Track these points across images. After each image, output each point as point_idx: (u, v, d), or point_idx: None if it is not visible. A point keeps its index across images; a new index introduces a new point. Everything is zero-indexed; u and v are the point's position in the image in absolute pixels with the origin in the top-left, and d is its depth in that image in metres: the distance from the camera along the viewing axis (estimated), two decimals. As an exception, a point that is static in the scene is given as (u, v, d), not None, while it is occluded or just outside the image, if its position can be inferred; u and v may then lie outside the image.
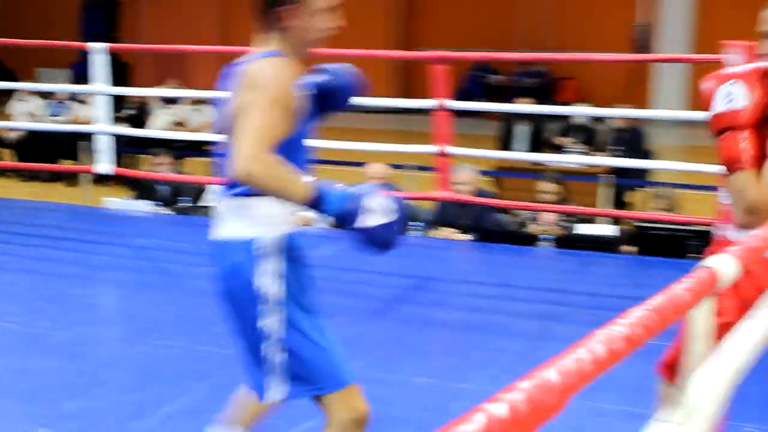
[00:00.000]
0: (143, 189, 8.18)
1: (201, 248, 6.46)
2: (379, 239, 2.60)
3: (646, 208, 6.84)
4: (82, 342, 4.89)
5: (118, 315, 5.50)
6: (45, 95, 13.24)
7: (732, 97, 2.52)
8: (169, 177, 7.98)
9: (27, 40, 8.73)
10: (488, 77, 17.95)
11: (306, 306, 2.78)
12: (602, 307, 5.40)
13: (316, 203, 2.55)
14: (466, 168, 7.09)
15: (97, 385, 4.32)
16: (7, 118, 13.43)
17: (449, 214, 7.08)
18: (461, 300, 5.61)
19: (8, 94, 13.43)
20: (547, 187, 7.37)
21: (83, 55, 7.72)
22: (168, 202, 8.09)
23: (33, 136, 12.08)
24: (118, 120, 11.68)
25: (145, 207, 7.67)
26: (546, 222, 7.16)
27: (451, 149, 6.61)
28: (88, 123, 12.41)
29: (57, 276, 6.01)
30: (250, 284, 2.69)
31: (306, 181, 2.56)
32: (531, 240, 6.94)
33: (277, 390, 2.76)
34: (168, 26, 19.81)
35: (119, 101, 10.36)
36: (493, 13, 17.97)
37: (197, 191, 8.33)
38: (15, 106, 13.51)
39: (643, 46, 16.76)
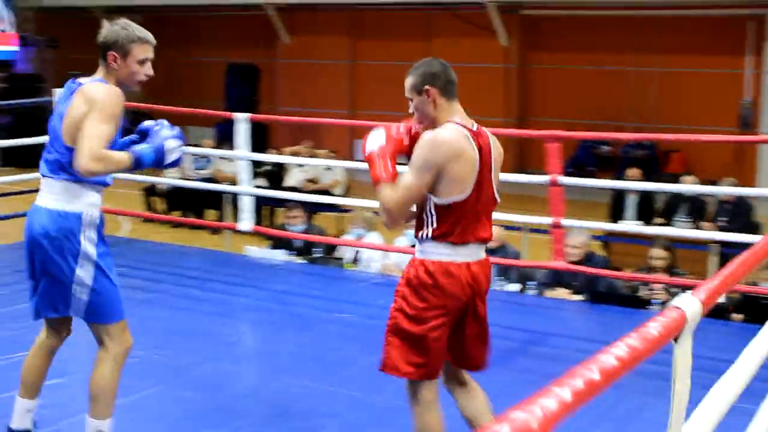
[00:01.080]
0: (280, 239, 8.29)
1: (332, 295, 6.54)
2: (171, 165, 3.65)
3: (752, 278, 6.62)
4: (222, 376, 4.94)
5: (256, 353, 5.55)
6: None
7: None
8: (301, 236, 8.07)
9: (181, 108, 9.01)
10: (599, 148, 17.75)
11: (107, 260, 3.57)
12: (711, 371, 5.23)
13: (138, 165, 3.49)
14: (579, 233, 6.99)
15: (235, 418, 4.37)
16: (161, 170, 13.83)
17: (563, 275, 6.98)
18: (574, 356, 5.49)
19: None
20: (657, 254, 7.21)
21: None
22: (302, 251, 8.18)
23: (182, 187, 12.39)
24: (257, 175, 11.93)
25: (281, 256, 7.77)
26: (656, 287, 6.99)
27: (564, 221, 6.52)
28: (229, 178, 12.74)
29: (201, 314, 6.11)
30: (77, 244, 3.48)
31: (125, 156, 3.46)
32: (642, 303, 6.78)
33: (78, 312, 3.56)
34: (302, 93, 20.19)
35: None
36: (604, 88, 17.81)
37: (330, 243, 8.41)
38: (167, 159, 13.92)
39: (748, 123, 16.37)
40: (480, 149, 3.22)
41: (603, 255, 8.40)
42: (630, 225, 9.62)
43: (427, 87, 3.27)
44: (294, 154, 12.02)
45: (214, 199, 12.09)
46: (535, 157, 17.12)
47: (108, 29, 3.60)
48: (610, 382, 1.49)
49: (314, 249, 8.20)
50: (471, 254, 3.27)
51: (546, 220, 6.62)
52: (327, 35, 20.14)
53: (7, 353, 5.10)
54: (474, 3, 17.63)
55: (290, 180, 12.58)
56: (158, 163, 3.57)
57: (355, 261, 8.08)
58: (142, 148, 3.55)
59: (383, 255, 7.84)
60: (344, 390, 4.74)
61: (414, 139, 3.31)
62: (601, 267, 6.96)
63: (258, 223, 9.11)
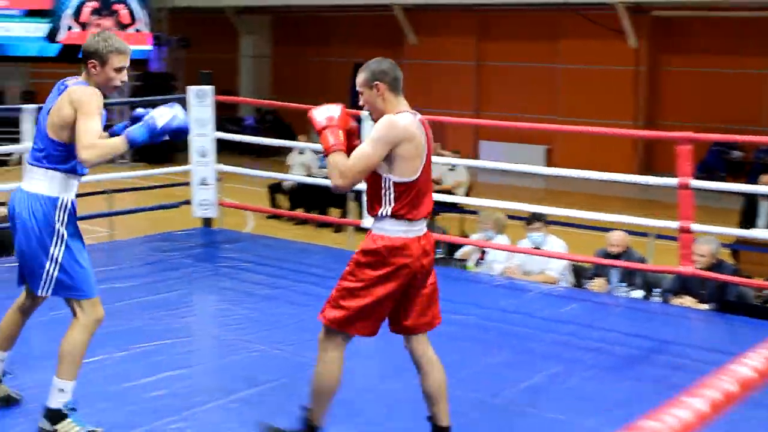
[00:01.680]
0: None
1: (451, 296, 6.51)
2: (175, 133, 3.94)
3: None
4: (345, 372, 4.97)
5: (375, 351, 5.55)
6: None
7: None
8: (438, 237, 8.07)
9: (302, 105, 9.11)
10: (730, 153, 17.23)
11: (77, 243, 3.97)
12: None
13: (132, 143, 3.87)
14: (708, 240, 6.78)
15: (354, 414, 4.40)
16: (286, 167, 14.10)
17: (690, 282, 6.79)
18: (699, 366, 5.34)
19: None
20: (791, 263, 6.95)
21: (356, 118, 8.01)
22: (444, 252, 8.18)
23: (306, 185, 12.56)
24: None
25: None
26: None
27: (693, 226, 6.34)
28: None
29: (318, 310, 6.15)
30: (51, 224, 3.88)
31: (119, 139, 3.87)
32: (772, 314, 6.55)
33: (48, 290, 3.94)
34: (427, 93, 20.21)
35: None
36: (737, 91, 17.29)
37: (451, 244, 8.39)
38: (293, 157, 14.18)
39: None
40: (426, 137, 3.69)
41: (732, 263, 8.14)
42: (763, 232, 9.29)
43: (376, 82, 3.70)
44: (438, 155, 12.02)
45: (338, 197, 12.21)
46: (661, 160, 16.77)
47: (90, 40, 3.99)
48: (747, 394, 1.42)
49: (436, 249, 8.19)
50: (421, 229, 3.72)
51: (673, 225, 6.45)
52: (453, 36, 20.13)
53: (136, 343, 5.25)
54: (603, 4, 17.33)
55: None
56: (152, 133, 3.90)
57: (479, 263, 8.03)
58: (133, 127, 3.95)
59: (507, 257, 7.77)
60: (461, 391, 4.71)
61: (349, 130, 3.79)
62: (730, 276, 6.75)
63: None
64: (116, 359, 5.02)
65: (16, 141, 7.38)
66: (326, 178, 12.33)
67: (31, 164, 3.99)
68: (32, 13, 22.18)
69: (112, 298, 5.98)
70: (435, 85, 20.30)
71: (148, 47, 21.80)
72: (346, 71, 20.69)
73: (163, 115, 3.93)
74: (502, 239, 7.96)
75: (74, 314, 4.01)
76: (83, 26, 22.11)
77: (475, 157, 18.26)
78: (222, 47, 23.80)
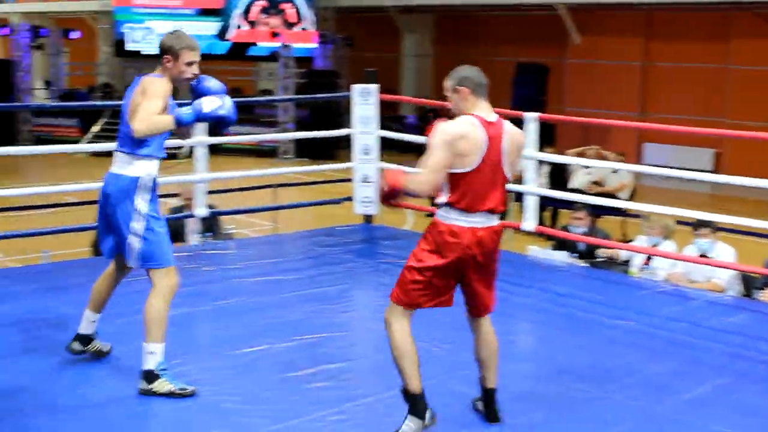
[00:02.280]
0: (563, 241, 8.21)
1: (614, 301, 6.40)
2: (218, 121, 4.48)
3: None
4: (500, 375, 4.93)
5: (533, 354, 5.51)
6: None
7: None
8: (585, 239, 7.94)
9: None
10: None
11: (157, 217, 4.48)
12: None
13: (179, 123, 4.36)
14: None
15: (512, 417, 4.36)
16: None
17: None
18: None
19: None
20: None
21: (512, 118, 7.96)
22: (585, 255, 8.06)
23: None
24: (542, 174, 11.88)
25: (563, 258, 7.69)
26: None
27: None
28: (514, 177, 12.73)
29: (481, 311, 6.14)
30: (132, 202, 4.41)
31: (168, 117, 4.35)
32: None
33: (135, 263, 4.46)
34: (590, 93, 19.90)
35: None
36: None
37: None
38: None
39: None
40: (489, 136, 3.97)
41: None
42: None
43: (460, 87, 4.07)
44: (579, 155, 11.85)
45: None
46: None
47: (165, 38, 4.51)
48: None
49: (597, 253, 8.05)
50: (479, 221, 4.02)
51: None
52: (619, 35, 19.72)
53: (299, 334, 5.36)
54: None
55: (575, 181, 12.43)
56: (198, 116, 4.42)
57: (644, 268, 7.84)
58: (182, 109, 4.44)
59: (672, 264, 7.56)
60: (623, 397, 4.63)
61: None
62: None
63: (540, 223, 9.07)
64: (280, 349, 5.15)
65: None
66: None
67: (117, 150, 4.52)
68: (204, 12, 23.00)
69: (276, 289, 6.15)
70: (599, 85, 19.96)
71: (313, 45, 22.25)
72: (508, 70, 20.56)
73: (211, 102, 4.43)
74: (668, 245, 7.75)
75: (153, 282, 4.46)
76: (252, 24, 22.77)
77: (639, 159, 17.86)
78: (385, 46, 24.06)
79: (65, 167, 17.58)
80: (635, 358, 5.30)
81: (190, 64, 4.49)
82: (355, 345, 5.36)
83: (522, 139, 4.22)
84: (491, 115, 4.06)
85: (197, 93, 4.57)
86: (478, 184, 3.99)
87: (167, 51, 4.46)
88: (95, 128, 22.02)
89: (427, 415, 4.07)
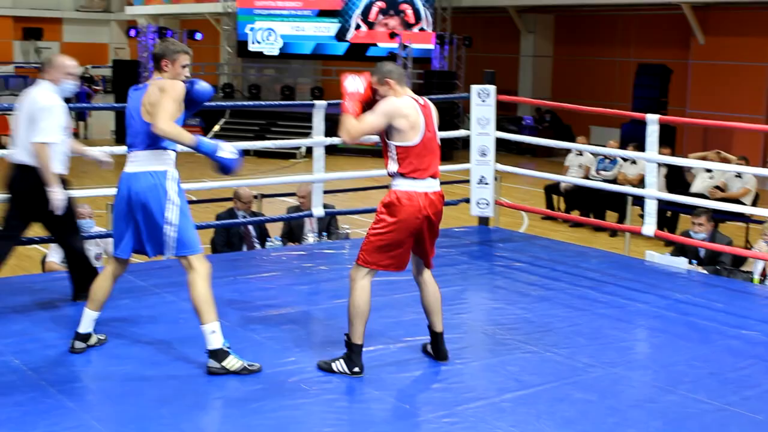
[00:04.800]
0: (683, 246, 8.03)
1: (735, 310, 6.24)
2: (221, 166, 4.82)
3: None
4: (615, 381, 4.89)
5: (651, 361, 5.42)
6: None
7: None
8: (706, 245, 7.75)
9: (585, 107, 9.02)
10: None
11: (185, 206, 4.83)
12: None
13: (196, 149, 4.77)
14: None
15: (626, 426, 4.32)
16: (564, 168, 13.99)
17: None
18: None
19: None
20: None
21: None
22: (705, 261, 7.86)
23: (583, 187, 12.38)
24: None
25: (683, 264, 7.52)
26: None
27: None
28: (632, 180, 12.53)
29: (596, 316, 6.08)
30: (165, 193, 4.76)
31: (190, 136, 4.70)
32: None
33: (171, 251, 4.79)
34: (714, 95, 19.39)
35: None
36: None
37: (736, 255, 8.01)
38: (571, 158, 14.04)
39: None
40: (425, 114, 4.77)
41: None
42: None
43: (387, 79, 4.78)
44: (701, 159, 11.58)
45: (616, 201, 11.98)
46: None
47: (160, 45, 4.96)
48: None
49: (719, 260, 7.85)
50: (428, 186, 4.76)
51: None
52: (746, 36, 19.16)
53: (411, 335, 5.37)
54: None
55: (697, 186, 12.14)
56: (211, 155, 4.77)
57: (765, 276, 7.62)
58: (205, 139, 4.89)
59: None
60: (742, 411, 4.50)
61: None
62: None
63: (660, 228, 8.90)
64: (393, 350, 5.19)
65: (304, 135, 7.75)
66: (605, 181, 12.18)
67: (132, 150, 4.84)
68: (323, 14, 23.27)
69: (390, 290, 6.18)
70: (723, 87, 19.43)
71: (431, 46, 22.28)
72: (629, 71, 20.22)
73: (228, 152, 4.80)
74: (793, 252, 7.52)
75: (189, 269, 4.79)
76: (370, 25, 22.94)
77: (765, 164, 17.33)
78: (503, 46, 23.92)
79: (183, 166, 17.93)
80: (757, 369, 5.15)
81: (184, 66, 4.92)
82: (468, 347, 5.35)
83: (436, 110, 4.95)
84: (420, 98, 4.86)
85: (192, 94, 4.96)
86: (422, 155, 4.74)
87: (165, 55, 4.88)
88: (216, 127, 22.52)
89: (356, 369, 4.73)
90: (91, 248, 7.54)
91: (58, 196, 5.43)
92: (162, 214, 4.75)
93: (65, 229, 5.81)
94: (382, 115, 4.70)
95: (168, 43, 5.00)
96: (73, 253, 5.90)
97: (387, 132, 4.73)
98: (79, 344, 4.99)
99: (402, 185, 4.72)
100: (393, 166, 4.74)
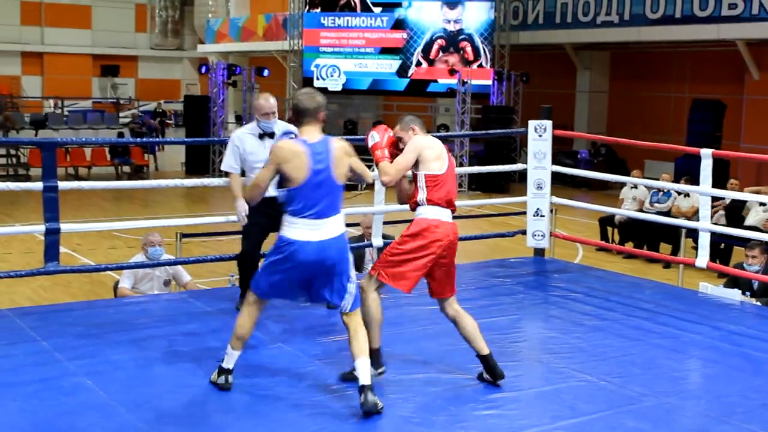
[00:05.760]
0: (736, 278, 7.90)
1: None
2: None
3: None
4: (668, 411, 4.82)
5: (704, 392, 5.32)
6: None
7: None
8: (759, 277, 7.62)
9: (639, 141, 8.94)
10: None
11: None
12: None
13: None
14: None
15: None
16: (618, 201, 13.87)
17: None
18: None
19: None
20: None
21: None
22: (759, 293, 7.72)
23: (637, 219, 12.23)
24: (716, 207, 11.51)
25: (737, 296, 7.39)
26: None
27: None
28: (686, 212, 12.38)
29: (650, 346, 5.99)
30: (349, 253, 4.84)
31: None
32: None
33: (350, 306, 4.76)
34: (767, 129, 19.09)
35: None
36: None
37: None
38: (625, 191, 13.92)
39: None
40: (447, 149, 5.17)
41: None
42: None
43: (412, 126, 5.16)
44: (756, 193, 11.39)
45: (670, 234, 11.82)
46: None
47: (316, 95, 4.82)
48: None
49: (772, 291, 7.70)
50: (450, 216, 5.07)
51: None
52: (799, 71, 18.87)
53: (468, 363, 5.34)
54: None
55: (751, 219, 11.95)
56: None
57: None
58: None
59: None
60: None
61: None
62: None
63: (713, 260, 8.77)
64: (451, 377, 5.17)
65: (366, 167, 7.79)
66: (659, 213, 11.99)
67: (334, 215, 4.76)
68: (385, 51, 23.40)
69: (443, 318, 6.16)
70: (777, 121, 19.14)
71: (489, 82, 22.28)
72: (683, 107, 20.03)
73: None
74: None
75: (357, 321, 4.78)
76: (431, 62, 23.01)
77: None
78: (559, 82, 23.84)
79: (216, 196, 18.10)
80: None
81: None
82: (523, 375, 5.31)
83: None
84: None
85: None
86: (448, 185, 5.09)
87: (321, 108, 4.77)
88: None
89: (381, 369, 4.99)
90: (161, 275, 7.66)
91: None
92: (348, 274, 4.80)
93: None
94: (412, 152, 5.04)
95: (315, 92, 4.91)
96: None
97: (416, 164, 5.05)
98: (222, 379, 4.86)
99: (429, 213, 5.01)
100: (422, 194, 5.02)
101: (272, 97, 6.33)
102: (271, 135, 6.22)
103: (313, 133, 4.74)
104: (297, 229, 4.66)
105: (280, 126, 6.26)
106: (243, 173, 6.42)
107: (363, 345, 4.68)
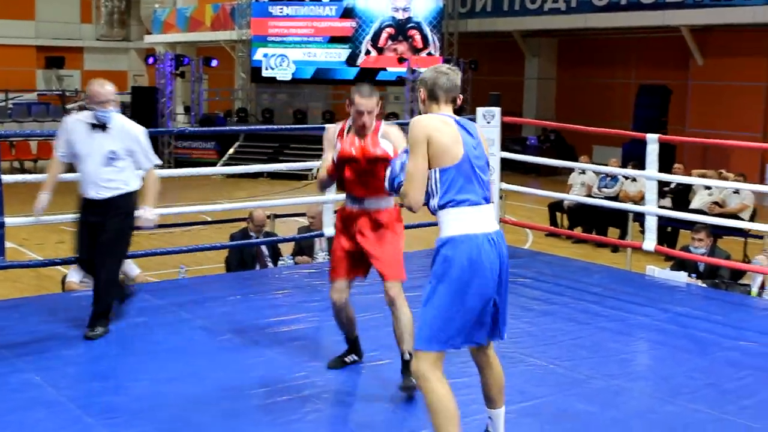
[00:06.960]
0: (682, 261, 8.03)
1: (734, 322, 6.23)
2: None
3: None
4: (615, 392, 4.88)
5: (651, 373, 5.41)
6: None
7: None
8: (705, 259, 7.75)
9: (587, 127, 9.02)
10: None
11: None
12: None
13: None
14: None
15: (627, 434, 4.30)
16: (567, 187, 14.00)
17: None
18: None
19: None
20: None
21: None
22: (705, 275, 7.85)
23: (586, 204, 12.37)
24: (662, 194, 11.66)
25: (683, 278, 7.51)
26: None
27: None
28: (633, 197, 12.54)
29: (598, 329, 6.07)
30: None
31: None
32: None
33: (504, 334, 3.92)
34: (712, 115, 19.39)
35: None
36: None
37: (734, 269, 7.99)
38: (574, 177, 14.06)
39: None
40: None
41: None
42: None
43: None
44: (701, 176, 11.58)
45: (617, 218, 11.97)
46: None
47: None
48: None
49: (718, 273, 7.84)
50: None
51: None
52: (742, 56, 19.16)
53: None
54: None
55: (696, 202, 12.14)
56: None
57: (762, 289, 7.60)
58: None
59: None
60: (740, 420, 4.49)
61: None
62: None
63: (660, 243, 8.89)
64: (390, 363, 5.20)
65: (316, 157, 7.78)
66: (607, 198, 12.14)
67: (489, 203, 3.80)
68: (334, 40, 23.36)
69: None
70: (721, 107, 19.43)
71: (439, 70, 22.32)
72: (630, 92, 20.24)
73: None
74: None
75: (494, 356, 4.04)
76: (380, 51, 23.02)
77: (762, 180, 17.31)
78: (508, 69, 23.97)
79: (199, 188, 17.97)
80: (755, 380, 5.14)
81: None
82: (472, 360, 5.34)
83: None
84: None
85: None
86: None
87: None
88: (231, 150, 22.59)
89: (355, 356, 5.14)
90: None
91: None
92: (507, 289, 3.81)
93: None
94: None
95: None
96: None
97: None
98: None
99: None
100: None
101: (108, 83, 5.70)
102: (103, 127, 5.58)
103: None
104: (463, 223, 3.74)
105: (116, 118, 5.63)
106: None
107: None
